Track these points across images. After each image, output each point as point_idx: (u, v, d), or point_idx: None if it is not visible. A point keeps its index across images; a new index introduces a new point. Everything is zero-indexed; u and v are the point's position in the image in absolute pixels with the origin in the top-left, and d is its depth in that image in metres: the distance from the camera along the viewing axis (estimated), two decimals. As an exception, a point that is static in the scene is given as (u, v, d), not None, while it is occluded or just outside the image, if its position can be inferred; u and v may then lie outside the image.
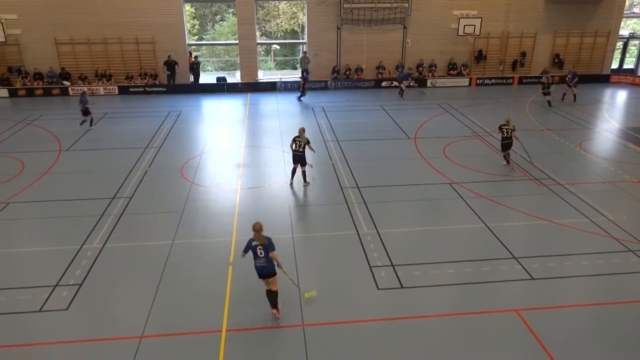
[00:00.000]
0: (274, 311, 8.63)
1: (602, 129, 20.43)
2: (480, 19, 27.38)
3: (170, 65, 26.58)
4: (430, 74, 28.34)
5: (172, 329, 8.43)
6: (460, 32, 27.64)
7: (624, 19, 29.75)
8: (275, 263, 8.52)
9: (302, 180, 14.28)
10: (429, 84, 27.85)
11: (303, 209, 13.18)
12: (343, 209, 12.91)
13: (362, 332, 8.43)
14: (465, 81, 28.36)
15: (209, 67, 34.98)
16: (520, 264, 10.34)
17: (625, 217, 12.47)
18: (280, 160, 16.44)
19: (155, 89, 26.62)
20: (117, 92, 26.58)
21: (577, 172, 15.69)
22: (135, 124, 21.22)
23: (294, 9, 33.77)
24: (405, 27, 27.78)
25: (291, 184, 14.37)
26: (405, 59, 28.30)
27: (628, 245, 11.13)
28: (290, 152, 14.19)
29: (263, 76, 29.90)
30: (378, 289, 9.58)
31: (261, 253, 8.44)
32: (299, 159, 14.02)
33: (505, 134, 15.32)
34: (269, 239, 8.46)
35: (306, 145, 13.91)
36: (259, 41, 29.51)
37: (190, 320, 8.67)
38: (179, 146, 18.04)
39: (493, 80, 28.46)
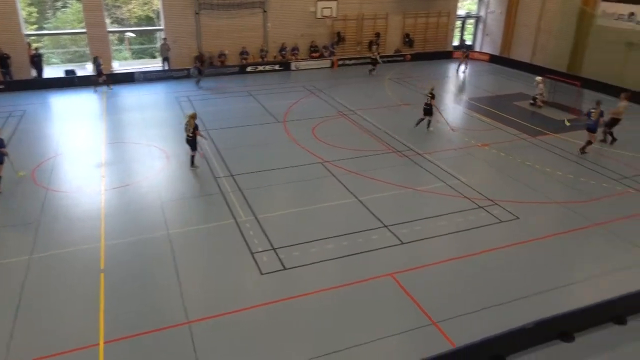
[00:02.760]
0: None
1: (450, 100, 22.55)
2: (336, 2, 28.31)
3: (2, 59, 23.48)
4: (294, 57, 28.76)
5: (40, 353, 7.65)
6: (319, 15, 28.36)
7: (460, 0, 32.90)
8: None
9: (190, 164, 14.58)
10: (293, 67, 28.25)
11: (176, 203, 12.68)
12: (218, 199, 12.70)
13: (251, 318, 8.46)
14: (327, 63, 29.27)
15: (54, 60, 31.59)
16: (391, 231, 11.12)
17: (474, 177, 14.02)
18: (147, 155, 15.58)
19: (-11, 87, 23.37)
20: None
21: (433, 142, 17.17)
22: (-31, 128, 18.51)
23: (146, -7, 31.83)
24: (265, 11, 27.72)
25: (192, 168, 14.66)
26: (268, 44, 28.34)
27: (479, 202, 12.55)
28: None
29: (119, 67, 27.83)
30: (262, 274, 9.65)
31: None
32: (189, 143, 14.40)
33: (427, 101, 17.46)
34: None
35: (195, 132, 14.27)
36: (110, 29, 27.33)
37: (59, 340, 7.93)
38: (26, 149, 16.12)
39: (354, 61, 29.73)
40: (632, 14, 22.98)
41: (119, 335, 8.02)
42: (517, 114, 20.18)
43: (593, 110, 15.49)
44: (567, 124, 18.51)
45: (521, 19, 30.14)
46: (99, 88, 23.43)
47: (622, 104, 16.70)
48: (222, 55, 27.30)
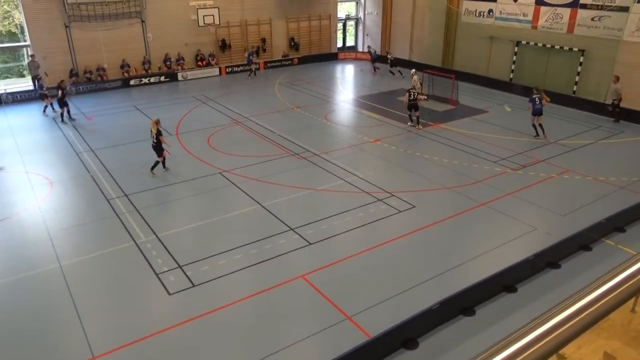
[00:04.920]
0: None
1: (339, 100, 23.32)
2: (217, 9, 27.92)
3: None
4: (180, 67, 27.89)
5: None
6: (201, 23, 27.78)
7: (339, 3, 34.12)
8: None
9: (150, 170, 14.63)
10: (180, 77, 27.39)
11: (66, 231, 11.69)
12: (114, 222, 11.95)
13: (165, 341, 8.10)
14: (215, 71, 28.78)
15: None
16: (298, 234, 11.25)
17: (370, 172, 14.65)
18: (26, 183, 14.21)
19: None
20: None
21: (328, 141, 17.65)
22: None
23: (5, 6, 28.96)
24: (143, 21, 26.53)
25: (165, 170, 14.90)
26: (150, 54, 27.18)
27: (377, 195, 13.13)
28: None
29: (-20, 89, 25.00)
30: (170, 294, 9.27)
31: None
32: (154, 149, 14.63)
33: (412, 96, 18.33)
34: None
35: (160, 137, 14.47)
36: (-36, 48, 24.52)
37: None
38: None
39: (241, 67, 29.55)
40: (490, 10, 25.44)
41: (14, 385, 7.25)
42: (402, 108, 21.37)
43: (537, 96, 17.00)
44: (508, 109, 20.18)
45: (396, 17, 31.99)
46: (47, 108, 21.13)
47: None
48: (100, 69, 25.67)
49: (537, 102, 16.93)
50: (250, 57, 27.95)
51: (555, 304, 3.23)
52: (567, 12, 21.99)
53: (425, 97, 22.60)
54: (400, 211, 12.34)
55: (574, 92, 22.07)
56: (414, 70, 22.75)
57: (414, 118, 18.78)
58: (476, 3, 26.22)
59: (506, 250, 10.62)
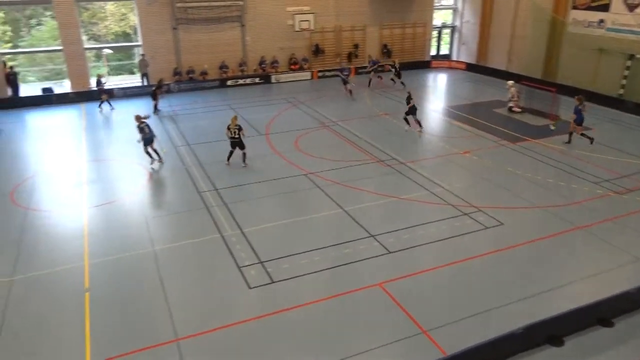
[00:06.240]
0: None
1: (430, 109, 22.84)
2: (313, 15, 28.55)
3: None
4: (274, 70, 28.83)
5: (25, 376, 7.46)
6: (297, 28, 28.54)
7: (436, 10, 33.48)
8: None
9: (242, 162, 15.60)
10: (273, 80, 28.31)
11: (161, 219, 12.54)
12: (203, 214, 12.59)
13: (240, 333, 8.37)
14: (307, 75, 29.40)
15: (30, 78, 31.08)
16: (378, 241, 11.15)
17: (458, 184, 14.17)
18: (129, 172, 15.39)
19: (-37, 107, 22.89)
20: None
21: (415, 150, 17.35)
22: (-57, 149, 18.07)
23: (122, 10, 31.63)
24: (243, 25, 27.78)
25: (227, 164, 15.71)
26: (247, 57, 28.38)
27: (463, 209, 12.68)
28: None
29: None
30: (250, 288, 9.57)
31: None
32: (235, 144, 15.48)
33: (410, 102, 18.69)
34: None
35: (240, 132, 15.29)
36: (86, 46, 27.06)
37: (46, 361, 7.76)
38: (4, 170, 15.82)
39: (332, 72, 29.92)
40: (601, 20, 23.67)
41: (106, 355, 7.86)
42: (496, 120, 20.51)
43: (580, 105, 16.86)
44: (553, 128, 18.90)
45: (495, 27, 30.77)
46: (102, 104, 23.07)
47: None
48: (203, 73, 27.23)
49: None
50: (375, 64, 27.10)
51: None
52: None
53: (520, 109, 21.52)
54: (486, 227, 11.81)
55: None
56: (512, 81, 21.72)
57: (414, 122, 18.86)
58: (585, 13, 24.50)
59: (603, 280, 9.79)
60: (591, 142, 16.92)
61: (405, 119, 19.11)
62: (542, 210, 12.68)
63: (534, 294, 9.31)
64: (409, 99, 18.78)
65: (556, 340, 8.07)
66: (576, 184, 14.20)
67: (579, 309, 8.31)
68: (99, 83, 23.12)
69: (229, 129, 15.34)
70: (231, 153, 15.64)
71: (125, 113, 22.43)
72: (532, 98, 22.03)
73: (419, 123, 18.92)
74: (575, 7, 25.08)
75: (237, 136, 15.31)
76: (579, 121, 16.93)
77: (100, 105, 22.95)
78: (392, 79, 26.34)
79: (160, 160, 15.85)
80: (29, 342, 8.24)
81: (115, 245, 11.16)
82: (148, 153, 15.55)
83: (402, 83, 25.84)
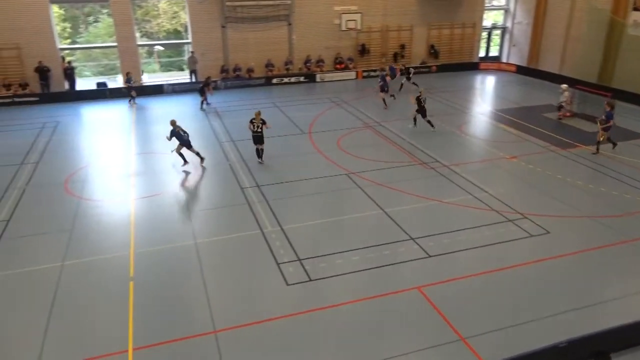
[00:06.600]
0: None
1: (476, 112, 22.33)
2: (360, 14, 28.45)
3: (43, 72, 24.32)
4: (319, 69, 28.94)
5: (71, 359, 7.79)
6: (343, 27, 28.52)
7: (486, 11, 32.67)
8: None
9: (258, 158, 15.80)
10: (318, 79, 28.42)
11: (204, 213, 12.84)
12: (245, 209, 12.79)
13: (276, 329, 8.45)
14: (352, 74, 29.35)
15: (86, 73, 32.49)
16: (418, 244, 11.00)
17: (503, 190, 13.79)
18: (175, 166, 15.83)
19: (25, 99, 24.15)
20: (-22, 105, 23.72)
21: (459, 153, 17.00)
22: (6, 138, 19.14)
23: (174, 8, 32.56)
24: (290, 24, 28.03)
25: (259, 162, 15.82)
26: (293, 55, 28.60)
27: (507, 215, 12.32)
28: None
29: (148, 79, 28.47)
30: (287, 284, 9.65)
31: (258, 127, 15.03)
32: (257, 139, 15.61)
33: (423, 103, 18.68)
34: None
35: (263, 126, 15.42)
36: (139, 42, 28.02)
37: (90, 345, 8.09)
38: (60, 160, 16.61)
39: (378, 72, 29.71)
40: (665, 23, 22.47)
41: (147, 342, 8.12)
42: (546, 125, 19.81)
43: (612, 111, 16.48)
44: (601, 138, 17.73)
45: (549, 28, 29.74)
46: (131, 101, 24.02)
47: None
48: (250, 71, 27.69)
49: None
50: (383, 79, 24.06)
51: None
52: None
53: (570, 114, 20.72)
54: (532, 235, 11.43)
55: None
56: (565, 85, 20.94)
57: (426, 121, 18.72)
58: (647, 14, 23.31)
59: (657, 295, 9.29)
60: (613, 147, 16.59)
61: (414, 118, 19.23)
62: (592, 220, 12.16)
63: (579, 307, 8.95)
64: (419, 98, 18.71)
65: (602, 357, 7.72)
66: (631, 194, 13.53)
67: (630, 325, 7.92)
68: (128, 80, 24.19)
69: (252, 122, 15.47)
70: (257, 150, 15.85)
71: (174, 108, 23.10)
72: (586, 103, 21.17)
73: (430, 123, 18.79)
74: (636, 9, 23.90)
75: (259, 130, 15.45)
76: (607, 127, 16.38)
77: (130, 101, 23.98)
78: (412, 84, 25.53)
79: (201, 160, 15.78)
80: (76, 325, 8.61)
81: (159, 236, 11.51)
82: (181, 154, 15.49)
83: (414, 84, 25.41)
